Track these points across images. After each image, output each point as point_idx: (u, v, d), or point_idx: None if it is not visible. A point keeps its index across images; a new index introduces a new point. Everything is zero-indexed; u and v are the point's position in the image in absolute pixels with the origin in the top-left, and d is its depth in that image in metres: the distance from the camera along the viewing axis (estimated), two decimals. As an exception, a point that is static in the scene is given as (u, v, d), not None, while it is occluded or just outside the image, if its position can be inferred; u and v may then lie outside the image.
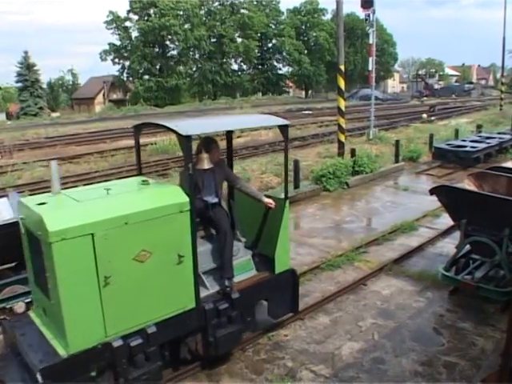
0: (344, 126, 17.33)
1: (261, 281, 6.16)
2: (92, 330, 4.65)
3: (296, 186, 13.82)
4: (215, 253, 5.89)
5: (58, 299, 4.41)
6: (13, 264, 7.70)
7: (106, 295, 4.64)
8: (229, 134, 6.61)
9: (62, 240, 4.32)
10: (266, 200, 6.11)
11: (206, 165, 5.89)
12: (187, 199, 5.13)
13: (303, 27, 78.32)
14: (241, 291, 5.83)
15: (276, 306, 6.40)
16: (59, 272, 4.34)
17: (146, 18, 62.72)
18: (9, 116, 56.42)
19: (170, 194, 5.18)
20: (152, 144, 23.52)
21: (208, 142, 5.96)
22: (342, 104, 17.04)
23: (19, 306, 7.22)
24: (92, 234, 4.46)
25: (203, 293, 5.61)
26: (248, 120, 8.07)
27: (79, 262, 4.45)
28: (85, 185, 15.00)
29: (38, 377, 4.35)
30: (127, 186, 5.61)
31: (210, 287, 5.79)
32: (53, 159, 6.44)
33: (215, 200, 5.98)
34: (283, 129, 6.13)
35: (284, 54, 75.34)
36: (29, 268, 5.35)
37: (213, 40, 68.33)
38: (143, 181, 5.60)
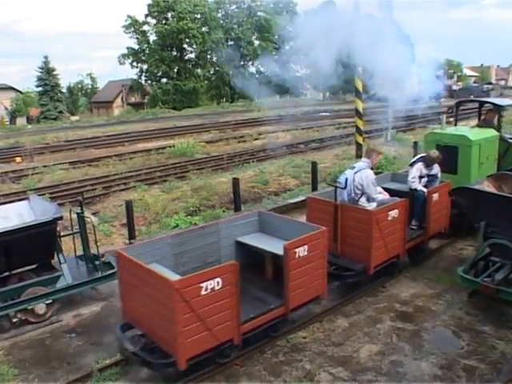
0: (362, 127, 17.29)
1: None
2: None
3: (314, 189, 13.74)
4: None
5: (469, 172, 9.64)
6: (33, 266, 7.79)
7: (479, 171, 9.66)
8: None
9: (474, 145, 9.67)
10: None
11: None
12: (498, 133, 10.51)
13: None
14: None
15: None
16: (472, 159, 9.73)
17: (163, 22, 62.96)
18: (29, 120, 57.06)
19: (491, 131, 10.45)
20: (170, 147, 23.65)
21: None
22: (360, 106, 17.00)
23: (40, 308, 7.29)
24: (479, 144, 9.82)
25: None
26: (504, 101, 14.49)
27: (475, 156, 9.75)
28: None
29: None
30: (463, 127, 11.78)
31: None
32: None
33: None
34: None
35: (301, 56, 75.12)
36: None
37: (230, 43, 68.44)
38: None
